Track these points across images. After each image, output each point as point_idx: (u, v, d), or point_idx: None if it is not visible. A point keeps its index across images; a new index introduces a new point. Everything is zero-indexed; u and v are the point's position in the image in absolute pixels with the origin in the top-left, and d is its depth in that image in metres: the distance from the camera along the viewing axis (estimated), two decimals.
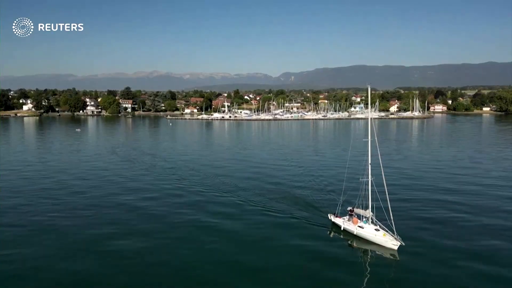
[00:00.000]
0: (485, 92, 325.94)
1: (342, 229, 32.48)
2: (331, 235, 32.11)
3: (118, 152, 79.67)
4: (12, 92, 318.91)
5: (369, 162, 32.00)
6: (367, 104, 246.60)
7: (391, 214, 29.46)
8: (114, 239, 30.80)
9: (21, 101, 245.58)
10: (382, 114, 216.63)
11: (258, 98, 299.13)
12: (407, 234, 30.00)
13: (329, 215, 34.82)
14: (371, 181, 31.72)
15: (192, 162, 66.37)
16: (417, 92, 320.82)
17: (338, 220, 33.39)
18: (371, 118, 32.89)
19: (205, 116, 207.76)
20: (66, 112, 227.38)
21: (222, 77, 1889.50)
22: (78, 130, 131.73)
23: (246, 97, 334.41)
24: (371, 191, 31.56)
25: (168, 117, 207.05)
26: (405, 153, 78.27)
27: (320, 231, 32.73)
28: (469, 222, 34.86)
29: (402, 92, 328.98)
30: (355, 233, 31.36)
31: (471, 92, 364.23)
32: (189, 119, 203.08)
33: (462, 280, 24.15)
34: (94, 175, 55.53)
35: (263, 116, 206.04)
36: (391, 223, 29.25)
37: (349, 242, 30.77)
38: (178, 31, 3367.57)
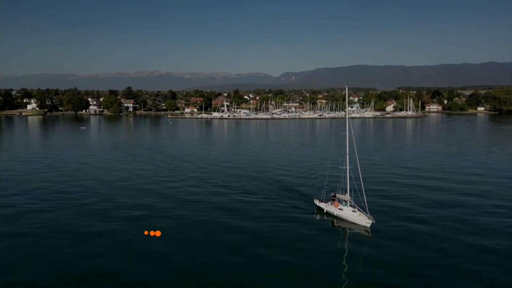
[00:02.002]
0: (482, 92, 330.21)
1: (325, 211, 37.16)
2: (316, 217, 36.60)
3: (121, 147, 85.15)
4: (14, 91, 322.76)
5: (347, 152, 36.74)
6: (363, 103, 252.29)
7: (365, 197, 34.19)
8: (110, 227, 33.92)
9: (25, 100, 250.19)
10: (378, 113, 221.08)
11: (257, 98, 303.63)
12: (378, 214, 34.92)
13: (314, 200, 39.54)
14: (349, 169, 36.41)
15: (189, 156, 71.80)
16: (414, 92, 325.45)
17: (322, 204, 38.05)
18: (348, 118, 37.62)
19: (204, 115, 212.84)
20: (69, 112, 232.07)
21: (223, 77, 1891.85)
22: (83, 128, 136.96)
23: (246, 97, 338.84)
24: (349, 178, 36.25)
25: (169, 116, 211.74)
26: (383, 147, 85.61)
27: (307, 214, 37.26)
28: (430, 204, 39.81)
29: (399, 92, 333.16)
30: (335, 215, 36.05)
31: (469, 92, 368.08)
32: (189, 118, 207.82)
33: (420, 250, 28.72)
34: (101, 168, 60.59)
35: (261, 115, 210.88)
36: (365, 205, 34.00)
37: (331, 222, 35.47)
38: (178, 31, 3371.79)
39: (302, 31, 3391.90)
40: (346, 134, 36.66)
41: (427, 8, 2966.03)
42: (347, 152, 36.79)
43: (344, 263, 27.08)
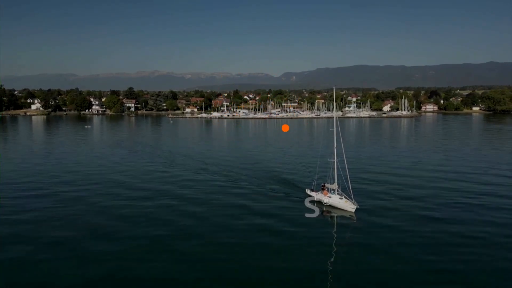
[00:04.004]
0: (480, 92, 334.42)
1: (315, 199, 41.59)
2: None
3: (124, 144, 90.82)
4: (16, 92, 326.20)
5: (335, 146, 41.13)
6: (360, 103, 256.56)
7: (350, 186, 38.57)
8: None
9: (28, 100, 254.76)
10: (374, 113, 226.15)
11: (257, 98, 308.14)
12: (362, 200, 39.52)
13: (306, 190, 43.96)
14: (337, 162, 40.84)
15: (187, 151, 76.57)
16: (412, 92, 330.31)
17: (313, 193, 42.44)
18: (336, 117, 42.10)
19: (204, 115, 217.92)
20: (72, 111, 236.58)
21: (224, 77, 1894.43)
22: (88, 127, 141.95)
23: (245, 97, 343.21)
24: (336, 170, 40.63)
25: (170, 116, 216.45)
26: (370, 143, 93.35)
27: (299, 202, 41.55)
28: (407, 194, 44.50)
29: (397, 92, 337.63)
30: (324, 202, 40.47)
31: (467, 92, 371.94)
32: (189, 117, 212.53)
33: (396, 232, 32.99)
34: (108, 162, 65.25)
35: (259, 115, 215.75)
36: (350, 192, 38.46)
37: (320, 208, 39.78)
38: (179, 31, 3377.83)
39: (302, 31, 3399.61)
40: (334, 130, 41.08)
41: (427, 8, 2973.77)
42: (335, 146, 41.20)
43: (331, 243, 31.22)
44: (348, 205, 38.22)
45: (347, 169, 39.56)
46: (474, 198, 42.56)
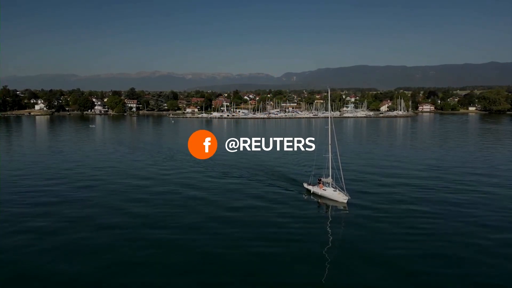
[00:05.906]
0: (478, 92, 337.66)
1: (312, 192, 45.25)
2: (305, 197, 44.46)
3: (126, 142, 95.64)
4: (18, 92, 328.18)
5: (329, 143, 44.80)
6: (356, 104, 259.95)
7: (343, 179, 42.08)
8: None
9: (32, 101, 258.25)
10: (371, 113, 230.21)
11: (257, 98, 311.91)
12: (353, 192, 43.28)
13: (303, 183, 47.66)
14: (331, 157, 44.50)
15: (186, 150, 79.88)
16: (410, 92, 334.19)
17: (309, 187, 46.02)
18: (331, 116, 45.88)
19: (204, 115, 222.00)
20: (75, 112, 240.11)
21: (224, 77, 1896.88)
22: (93, 126, 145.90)
23: (246, 97, 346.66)
24: (330, 164, 44.30)
25: (171, 115, 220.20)
26: (363, 141, 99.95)
27: (297, 194, 45.13)
28: (394, 186, 48.35)
29: (395, 92, 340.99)
30: (320, 194, 44.12)
31: (466, 92, 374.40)
32: (190, 117, 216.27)
33: (382, 219, 36.53)
34: (112, 159, 69.29)
35: (258, 115, 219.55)
36: (343, 185, 42.09)
37: (316, 200, 43.44)
38: (179, 31, 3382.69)
39: (303, 31, 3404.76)
40: (328, 128, 44.74)
41: (427, 8, 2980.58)
42: (329, 142, 44.86)
43: (326, 228, 34.94)
44: (341, 197, 41.83)
45: (340, 164, 43.10)
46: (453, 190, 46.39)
